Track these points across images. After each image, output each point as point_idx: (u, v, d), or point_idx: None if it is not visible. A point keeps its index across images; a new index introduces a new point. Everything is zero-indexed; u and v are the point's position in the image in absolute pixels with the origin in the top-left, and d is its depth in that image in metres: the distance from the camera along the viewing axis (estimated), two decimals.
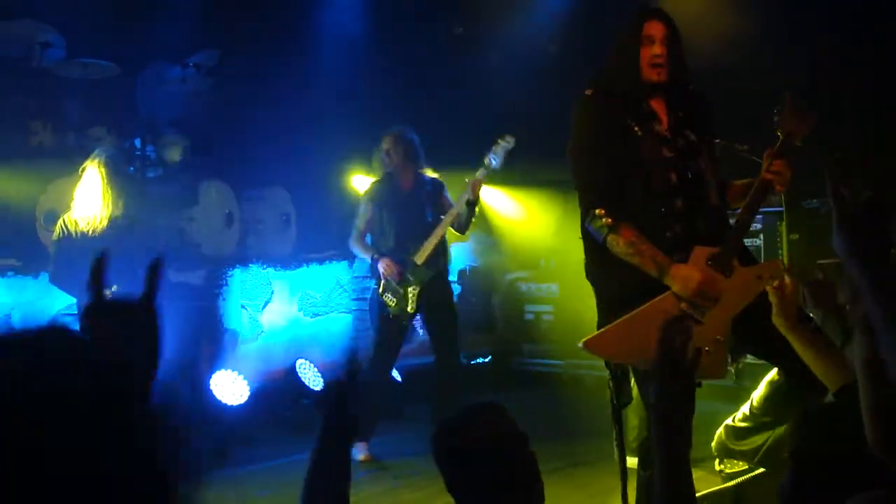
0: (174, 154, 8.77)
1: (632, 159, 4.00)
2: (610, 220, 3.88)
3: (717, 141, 5.39)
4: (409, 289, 7.04)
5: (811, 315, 3.58)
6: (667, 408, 2.30)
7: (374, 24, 10.81)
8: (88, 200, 6.42)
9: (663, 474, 2.25)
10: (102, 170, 6.43)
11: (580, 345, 3.95)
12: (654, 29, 4.03)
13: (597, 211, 3.91)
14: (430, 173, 7.38)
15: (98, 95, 8.74)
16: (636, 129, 4.01)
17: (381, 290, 7.17)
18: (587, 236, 4.06)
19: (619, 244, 3.87)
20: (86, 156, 6.82)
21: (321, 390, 2.34)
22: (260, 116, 9.74)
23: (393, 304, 7.08)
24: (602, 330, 3.98)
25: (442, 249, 7.19)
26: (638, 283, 3.87)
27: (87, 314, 1.64)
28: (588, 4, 10.55)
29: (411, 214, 7.15)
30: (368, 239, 7.34)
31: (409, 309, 7.05)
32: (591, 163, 4.04)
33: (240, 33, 9.72)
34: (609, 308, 4.01)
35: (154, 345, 1.64)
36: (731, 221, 4.06)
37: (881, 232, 2.01)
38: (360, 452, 6.90)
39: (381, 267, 7.07)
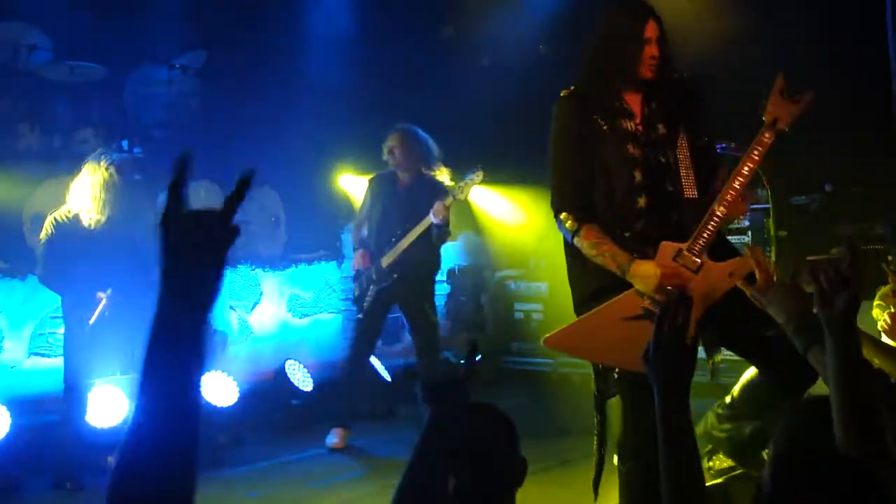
0: None
1: (598, 158, 4.05)
2: (573, 223, 3.97)
3: (724, 146, 5.42)
4: (371, 286, 7.23)
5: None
6: (670, 388, 2.30)
7: (363, 24, 10.80)
8: (88, 199, 6.40)
9: (670, 453, 2.26)
10: (108, 172, 6.41)
11: (542, 341, 4.01)
12: (651, 30, 4.03)
13: (562, 215, 4.03)
14: (442, 175, 7.37)
15: (85, 98, 8.71)
16: (605, 127, 4.04)
17: (353, 278, 7.47)
18: (564, 239, 4.14)
19: (584, 246, 3.96)
20: (72, 158, 6.82)
21: (433, 381, 2.32)
22: (248, 117, 9.72)
23: (355, 295, 7.38)
24: (564, 327, 4.03)
25: (418, 256, 7.20)
26: (609, 284, 3.92)
27: (168, 219, 1.62)
28: (578, 5, 10.55)
29: (402, 214, 7.19)
30: (364, 230, 7.44)
31: (364, 304, 7.26)
32: (559, 166, 4.14)
33: (227, 34, 9.69)
34: (584, 305, 4.06)
35: (222, 261, 1.64)
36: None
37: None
38: (335, 438, 7.08)
39: (354, 257, 7.36)
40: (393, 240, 7.19)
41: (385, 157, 7.34)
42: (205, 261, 1.61)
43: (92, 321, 6.24)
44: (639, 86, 4.10)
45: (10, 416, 6.34)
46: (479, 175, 7.15)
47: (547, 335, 4.03)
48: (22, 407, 6.56)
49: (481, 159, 10.34)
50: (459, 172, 7.63)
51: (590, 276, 4.00)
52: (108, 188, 6.38)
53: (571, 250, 4.08)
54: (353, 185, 9.24)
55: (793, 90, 3.96)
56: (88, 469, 6.21)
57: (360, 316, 7.37)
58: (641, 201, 4.00)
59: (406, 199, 7.20)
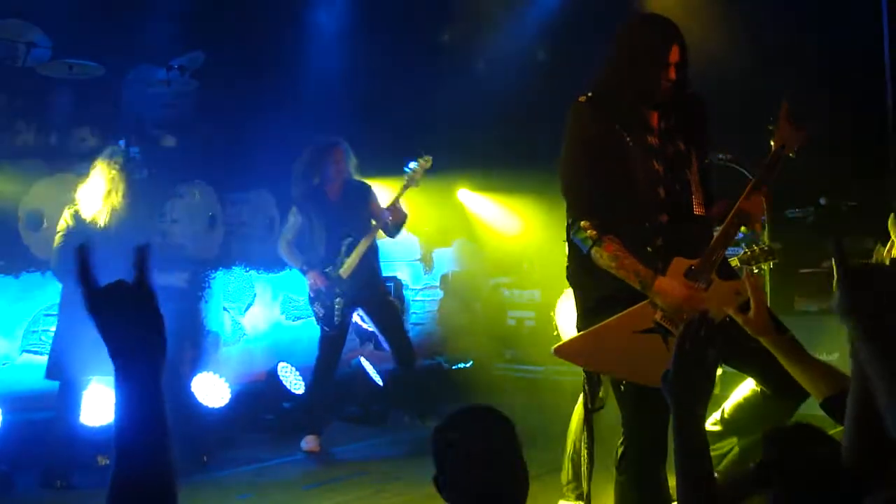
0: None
1: (621, 171, 3.98)
2: (594, 232, 3.89)
3: (720, 156, 5.46)
4: (336, 300, 7.34)
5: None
6: (688, 408, 2.32)
7: (361, 27, 10.82)
8: (99, 197, 6.49)
9: (685, 474, 2.28)
10: (114, 169, 6.47)
11: (551, 351, 3.98)
12: (675, 54, 4.00)
13: (582, 223, 3.92)
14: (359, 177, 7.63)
15: (83, 96, 8.71)
16: (628, 139, 4.00)
17: (311, 300, 7.53)
18: (572, 245, 4.08)
19: (602, 257, 3.88)
20: (69, 156, 6.84)
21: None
22: (245, 119, 9.73)
23: (321, 314, 7.44)
24: (573, 337, 4.02)
25: (370, 258, 7.42)
26: (618, 291, 3.90)
27: (89, 302, 1.75)
28: (576, 12, 10.59)
29: (343, 224, 7.38)
30: (295, 249, 7.66)
31: (335, 320, 7.37)
32: (579, 173, 4.03)
33: (225, 36, 9.70)
34: (589, 315, 4.04)
35: (158, 323, 1.77)
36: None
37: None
38: (307, 444, 7.18)
39: (309, 279, 7.45)
40: (343, 251, 7.36)
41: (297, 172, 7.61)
42: (135, 330, 1.75)
43: None
44: (647, 101, 4.07)
45: (2, 412, 6.35)
46: (428, 161, 7.36)
47: (557, 345, 3.99)
48: (13, 403, 6.57)
49: (476, 165, 10.45)
50: (450, 178, 7.76)
51: (597, 283, 3.97)
52: (119, 187, 6.45)
53: (579, 256, 4.04)
54: None
55: (796, 116, 4.01)
56: (79, 467, 6.21)
57: (329, 332, 7.45)
58: (664, 218, 3.99)
59: (341, 208, 7.39)
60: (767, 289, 6.76)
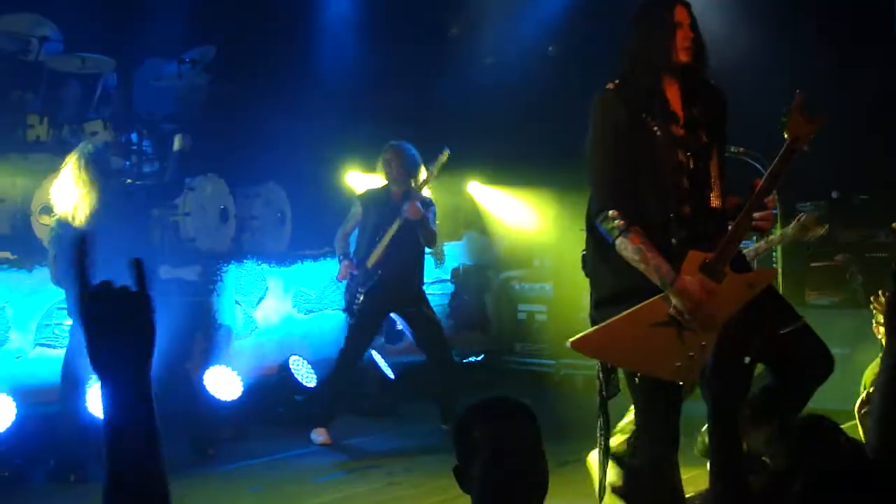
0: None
1: (647, 160, 3.98)
2: (622, 222, 3.87)
3: (732, 149, 5.45)
4: (359, 290, 7.42)
5: None
6: (723, 407, 2.35)
7: (372, 21, 10.83)
8: (66, 195, 6.42)
9: (719, 473, 2.31)
10: (79, 164, 6.41)
11: (567, 344, 3.98)
12: (682, 14, 4.03)
13: (610, 213, 3.90)
14: (426, 190, 7.60)
15: (95, 90, 8.74)
16: (654, 128, 3.99)
17: (345, 290, 7.67)
18: (594, 233, 4.06)
19: (627, 249, 3.86)
20: None
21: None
22: (256, 112, 9.75)
23: (347, 300, 7.58)
24: (590, 330, 4.01)
25: (402, 256, 7.41)
26: (637, 283, 3.89)
27: (85, 299, 1.71)
28: (587, 8, 10.56)
29: (400, 234, 7.40)
30: (353, 237, 7.68)
31: (353, 307, 7.47)
32: (608, 161, 4.03)
33: (236, 30, 9.73)
34: (605, 304, 4.03)
35: (149, 330, 1.71)
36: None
37: None
38: (319, 437, 7.18)
39: (340, 268, 7.59)
40: (377, 240, 7.40)
41: (380, 168, 7.56)
42: (126, 338, 1.70)
43: None
44: (678, 77, 4.07)
45: (16, 405, 6.37)
46: (445, 154, 7.33)
47: (572, 339, 3.97)
48: (26, 397, 6.59)
49: (487, 159, 10.45)
50: (461, 172, 7.83)
51: (616, 274, 3.96)
52: (86, 184, 6.39)
53: (599, 246, 4.03)
54: (359, 181, 9.26)
55: (809, 108, 3.98)
56: (93, 461, 6.23)
57: (351, 322, 7.48)
58: (687, 209, 3.99)
59: (398, 213, 7.36)
60: (780, 281, 6.74)
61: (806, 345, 4.06)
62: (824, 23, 9.05)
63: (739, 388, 2.38)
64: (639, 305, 3.87)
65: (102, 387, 1.67)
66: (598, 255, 4.07)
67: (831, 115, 4.04)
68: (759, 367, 4.33)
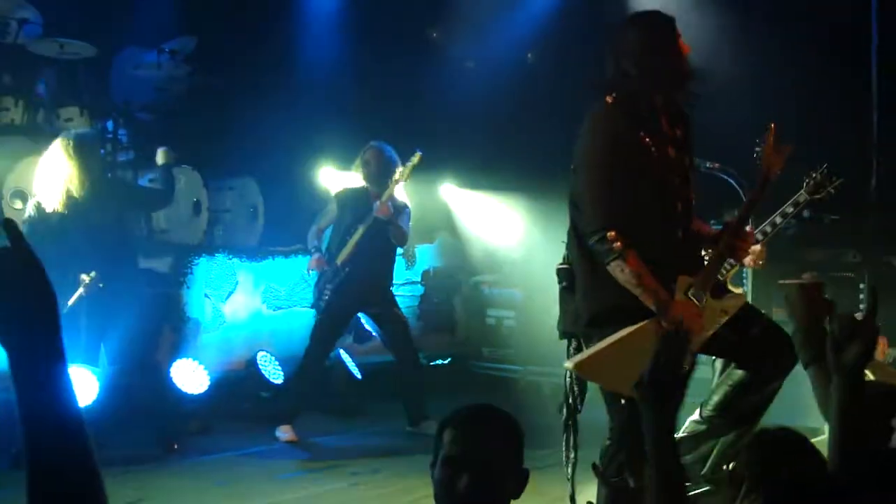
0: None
1: (646, 181, 3.95)
2: (620, 244, 3.83)
3: (707, 165, 5.51)
4: (326, 286, 7.43)
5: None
6: (660, 415, 2.39)
7: (353, 21, 10.84)
8: (54, 180, 6.40)
9: (657, 475, 2.35)
10: (70, 150, 6.40)
11: (569, 365, 3.98)
12: (678, 33, 4.06)
13: (609, 234, 3.85)
14: (402, 193, 7.66)
15: (73, 75, 8.69)
16: (653, 150, 3.96)
17: (314, 284, 7.70)
18: (584, 249, 4.02)
19: (623, 271, 3.84)
20: (56, 135, 6.80)
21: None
22: (234, 105, 9.74)
23: (315, 296, 7.60)
24: (592, 353, 3.96)
25: (373, 255, 7.41)
26: (625, 299, 3.89)
27: None
28: (567, 18, 10.62)
29: (371, 232, 7.39)
30: (327, 234, 7.70)
31: (319, 303, 7.50)
32: (605, 178, 3.97)
33: (218, 22, 9.71)
34: (594, 321, 4.04)
35: (44, 292, 1.50)
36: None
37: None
38: (285, 434, 7.17)
39: (311, 260, 7.64)
40: (346, 238, 7.41)
41: (358, 168, 7.54)
42: (17, 303, 1.48)
43: (71, 303, 6.15)
44: (670, 103, 4.09)
45: None
46: (417, 156, 7.33)
47: (577, 360, 3.96)
48: None
49: (463, 163, 10.48)
50: (435, 174, 7.89)
51: (607, 292, 3.94)
52: (74, 171, 6.39)
53: (590, 263, 4.00)
54: (334, 180, 9.26)
55: (781, 138, 4.08)
56: None
57: (319, 317, 7.49)
58: (680, 233, 4.02)
59: (376, 224, 7.37)
60: (749, 300, 6.81)
61: (772, 339, 4.14)
62: (800, 45, 9.17)
63: (675, 398, 2.43)
64: (631, 329, 3.87)
65: (10, 365, 1.46)
66: (591, 271, 4.03)
67: (802, 138, 4.13)
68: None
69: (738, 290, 5.58)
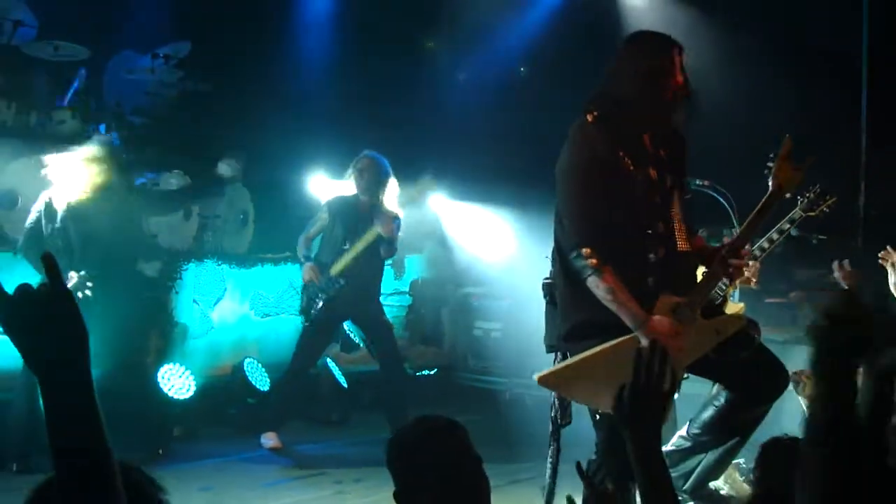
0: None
1: (625, 200, 3.96)
2: (596, 261, 3.86)
3: (697, 182, 5.50)
4: (319, 295, 7.39)
5: None
6: (641, 435, 2.35)
7: (347, 31, 10.86)
8: (68, 182, 6.47)
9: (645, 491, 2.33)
10: (99, 157, 6.51)
11: (534, 378, 3.98)
12: (679, 58, 4.01)
13: (584, 250, 3.88)
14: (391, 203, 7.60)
15: (66, 78, 8.69)
16: (633, 168, 3.97)
17: (301, 291, 7.69)
18: (565, 265, 4.05)
19: (599, 287, 3.87)
20: (48, 137, 6.83)
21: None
22: (226, 111, 9.75)
23: (301, 306, 7.58)
24: (557, 367, 4.01)
25: (366, 267, 7.43)
26: (607, 319, 3.90)
27: (4, 307, 1.65)
28: (560, 32, 10.68)
29: (357, 237, 7.39)
30: (315, 242, 7.68)
31: (312, 313, 7.45)
32: (584, 196, 3.99)
33: (212, 28, 9.72)
34: (574, 339, 4.05)
35: (75, 326, 1.67)
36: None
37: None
38: (269, 441, 7.15)
39: (303, 271, 7.54)
40: (343, 248, 7.39)
41: (351, 177, 7.51)
42: (50, 337, 1.65)
43: None
44: (648, 122, 4.07)
45: None
46: (430, 182, 7.63)
47: (540, 374, 3.96)
48: None
49: (454, 174, 10.49)
50: (424, 183, 7.88)
51: (587, 308, 3.96)
52: (98, 175, 6.46)
53: (572, 281, 4.01)
54: (324, 188, 9.27)
55: (796, 155, 4.03)
56: (36, 450, 6.16)
57: (306, 324, 7.49)
58: (662, 251, 4.01)
59: (366, 223, 7.38)
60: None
61: (763, 363, 4.15)
62: (791, 67, 9.24)
63: (657, 417, 2.40)
64: (606, 345, 3.89)
65: (42, 389, 1.64)
66: (570, 287, 4.05)
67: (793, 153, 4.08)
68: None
69: (739, 307, 5.59)
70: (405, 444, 2.64)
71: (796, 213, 5.56)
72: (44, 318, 1.64)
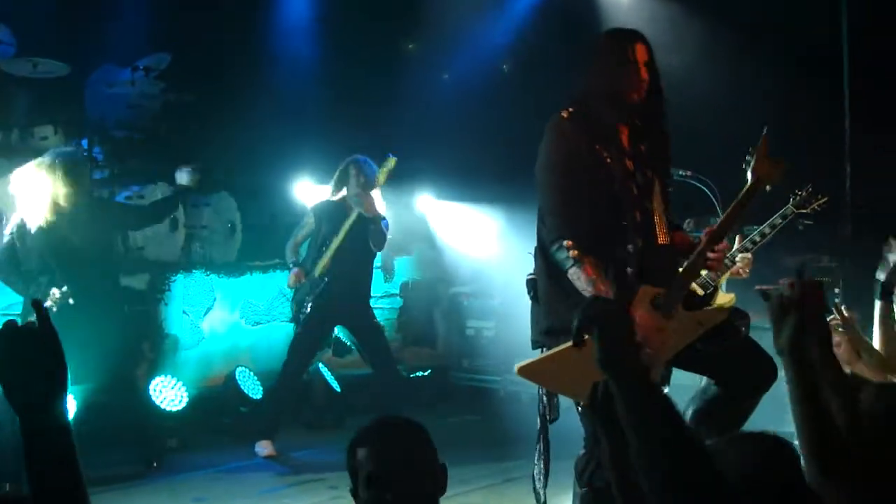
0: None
1: (603, 191, 4.03)
2: (576, 252, 3.92)
3: (680, 173, 5.49)
4: (307, 298, 7.41)
5: None
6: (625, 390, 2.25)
7: (329, 35, 10.85)
8: (39, 198, 6.38)
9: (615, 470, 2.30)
10: (57, 169, 6.38)
11: (515, 369, 3.99)
12: (641, 53, 4.07)
13: (565, 242, 3.95)
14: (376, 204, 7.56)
15: (46, 94, 8.66)
16: (608, 161, 4.04)
17: (292, 298, 7.70)
18: (547, 259, 4.10)
19: (580, 279, 3.91)
20: (31, 154, 6.78)
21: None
22: (209, 122, 9.73)
23: (294, 310, 7.57)
24: (536, 358, 4.03)
25: (358, 277, 7.46)
26: None
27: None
28: (542, 28, 10.68)
29: (349, 242, 7.39)
30: (304, 248, 7.68)
31: (301, 316, 7.46)
32: (563, 190, 4.06)
33: (192, 38, 9.70)
34: (556, 333, 4.05)
35: (57, 365, 1.75)
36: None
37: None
38: (264, 449, 7.14)
39: (290, 275, 7.56)
40: (323, 249, 7.41)
41: (341, 180, 7.52)
42: (32, 374, 1.73)
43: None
44: (627, 115, 4.13)
45: None
46: (392, 161, 7.34)
47: (520, 364, 3.98)
48: None
49: (440, 174, 10.50)
50: (412, 185, 7.91)
51: (571, 304, 3.91)
52: (65, 191, 6.37)
53: (553, 276, 4.07)
54: (310, 193, 9.25)
55: (773, 150, 4.02)
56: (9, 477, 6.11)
57: (298, 330, 7.48)
58: (640, 243, 4.06)
59: (356, 227, 7.39)
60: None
61: (750, 355, 4.15)
62: (774, 55, 9.26)
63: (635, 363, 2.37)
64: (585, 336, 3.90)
65: (22, 432, 1.71)
66: (551, 282, 4.11)
67: (776, 144, 4.09)
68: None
69: (729, 297, 5.59)
70: (353, 439, 2.61)
71: (788, 209, 5.55)
72: (28, 356, 1.72)
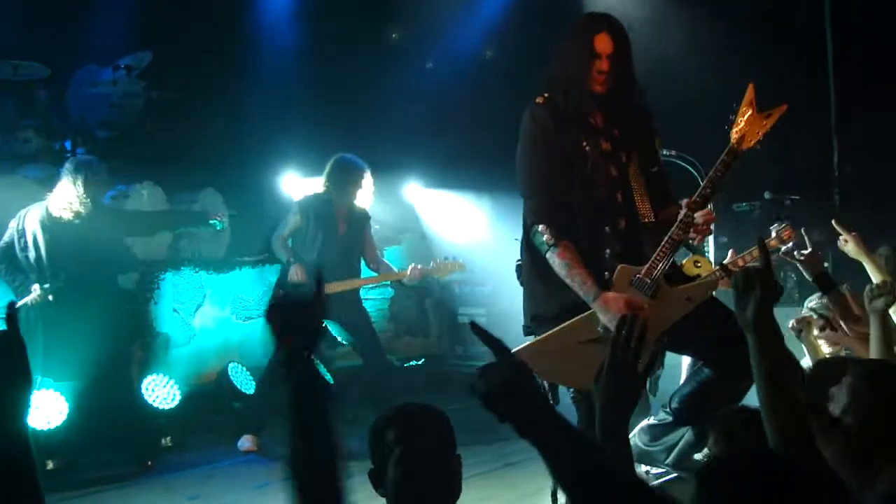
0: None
1: (580, 174, 4.04)
2: (550, 237, 3.94)
3: (665, 152, 5.46)
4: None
5: None
6: (613, 411, 2.34)
7: (312, 28, 10.82)
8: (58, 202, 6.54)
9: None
10: (79, 177, 6.55)
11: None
12: (603, 43, 4.05)
13: (540, 227, 3.98)
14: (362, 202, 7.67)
15: (28, 96, 8.62)
16: (584, 144, 4.06)
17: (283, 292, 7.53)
18: (530, 245, 4.11)
19: (556, 263, 3.94)
20: (14, 157, 6.77)
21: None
22: (192, 119, 9.68)
23: None
24: (522, 346, 4.01)
25: (340, 263, 7.43)
26: (568, 301, 3.95)
27: None
28: (524, 14, 10.66)
29: (340, 240, 7.44)
30: (290, 243, 7.61)
31: None
32: (538, 176, 4.09)
33: (173, 36, 9.65)
34: (541, 320, 4.09)
35: (20, 371, 1.77)
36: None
37: None
38: (246, 443, 7.14)
39: (292, 271, 7.38)
40: (314, 244, 7.39)
41: (336, 181, 7.46)
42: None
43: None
44: (599, 102, 4.12)
45: None
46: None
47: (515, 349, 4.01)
48: None
49: (426, 163, 10.49)
50: (399, 175, 7.86)
51: (554, 294, 4.02)
52: (77, 195, 6.53)
53: (536, 264, 4.08)
54: (296, 185, 9.23)
55: (763, 103, 3.95)
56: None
57: None
58: (622, 223, 4.07)
59: (347, 225, 7.45)
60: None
61: (743, 337, 4.10)
62: (760, 34, 9.26)
63: (631, 396, 2.38)
64: (570, 321, 3.92)
65: None
66: (535, 268, 4.13)
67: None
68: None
69: (706, 263, 5.57)
70: (378, 421, 2.69)
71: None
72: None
